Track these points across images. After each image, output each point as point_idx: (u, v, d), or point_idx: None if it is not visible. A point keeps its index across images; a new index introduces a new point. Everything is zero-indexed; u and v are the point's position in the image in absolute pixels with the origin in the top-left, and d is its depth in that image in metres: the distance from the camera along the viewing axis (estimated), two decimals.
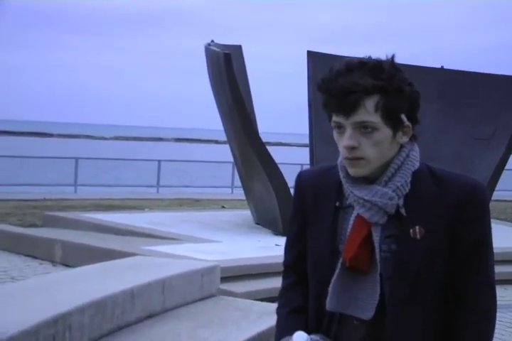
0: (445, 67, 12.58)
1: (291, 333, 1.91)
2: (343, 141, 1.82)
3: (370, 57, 1.84)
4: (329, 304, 1.88)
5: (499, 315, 7.26)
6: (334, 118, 1.83)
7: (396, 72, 1.81)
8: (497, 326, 6.96)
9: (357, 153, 1.81)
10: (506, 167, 11.99)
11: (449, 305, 1.88)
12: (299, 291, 2.02)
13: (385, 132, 1.81)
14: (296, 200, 2.04)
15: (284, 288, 2.08)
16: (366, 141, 1.80)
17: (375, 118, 1.79)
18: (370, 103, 1.78)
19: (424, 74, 11.57)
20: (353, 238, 1.85)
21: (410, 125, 1.85)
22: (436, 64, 12.50)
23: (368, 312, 1.84)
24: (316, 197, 1.97)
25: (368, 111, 1.78)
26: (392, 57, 1.84)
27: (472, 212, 1.85)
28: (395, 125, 1.82)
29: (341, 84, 1.78)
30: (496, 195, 14.28)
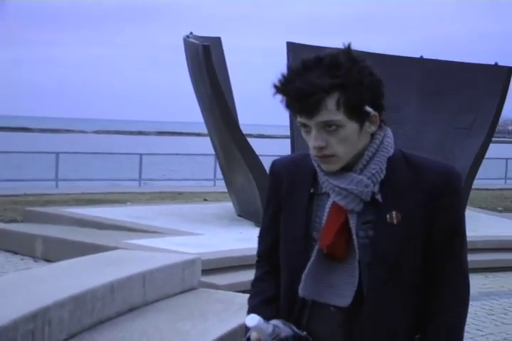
0: (425, 57, 12.60)
1: None
2: (311, 142, 1.82)
3: (329, 51, 1.81)
4: (302, 290, 1.87)
5: (481, 302, 7.32)
6: (298, 118, 1.82)
7: (353, 65, 1.78)
8: (478, 313, 7.03)
9: (326, 151, 1.81)
10: (487, 156, 12.06)
11: (426, 291, 1.89)
12: (272, 281, 2.01)
13: (350, 127, 1.80)
14: (271, 188, 2.03)
15: (257, 278, 2.07)
16: (333, 138, 1.80)
17: (338, 116, 1.78)
18: (331, 102, 1.76)
19: (405, 65, 11.60)
20: (329, 225, 1.85)
21: (376, 113, 1.84)
22: (417, 54, 12.51)
23: (345, 299, 1.83)
24: (290, 184, 1.97)
25: (330, 111, 1.77)
26: (349, 46, 1.81)
27: (447, 198, 1.86)
28: (360, 118, 1.81)
29: (298, 86, 1.75)
30: (477, 183, 14.36)
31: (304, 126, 1.81)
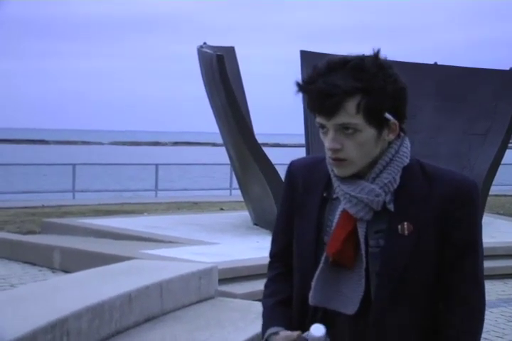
0: (439, 63, 12.58)
1: (277, 324, 1.91)
2: (326, 143, 1.80)
3: (356, 54, 1.80)
4: (312, 298, 1.87)
5: (500, 309, 7.25)
6: (317, 118, 1.80)
7: (379, 70, 1.76)
8: (498, 320, 6.96)
9: (340, 154, 1.79)
10: (504, 161, 11.97)
11: (437, 303, 1.86)
12: (286, 282, 2.00)
13: (368, 132, 1.78)
14: (286, 189, 2.02)
15: (270, 279, 2.06)
16: (349, 142, 1.78)
17: (357, 120, 1.76)
18: (351, 105, 1.75)
19: (419, 71, 11.57)
20: (337, 233, 1.84)
21: (396, 122, 1.81)
22: (432, 60, 12.50)
23: (351, 307, 1.82)
24: (305, 186, 1.95)
25: (349, 113, 1.75)
26: (377, 52, 1.79)
27: (461, 210, 1.83)
28: (379, 124, 1.79)
29: (320, 87, 1.74)
30: (495, 189, 14.25)
31: (322, 127, 1.80)
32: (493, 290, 7.63)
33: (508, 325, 6.64)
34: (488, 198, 11.76)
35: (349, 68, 1.75)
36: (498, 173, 11.76)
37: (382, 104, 1.76)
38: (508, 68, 12.00)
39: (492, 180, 11.52)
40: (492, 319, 6.49)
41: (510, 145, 12.10)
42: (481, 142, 11.53)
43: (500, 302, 7.31)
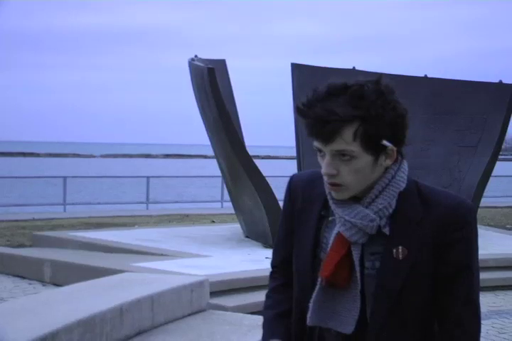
0: (429, 76, 12.66)
1: (276, 336, 1.94)
2: (322, 168, 1.81)
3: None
4: (310, 319, 1.87)
5: (491, 321, 7.25)
6: (315, 143, 1.81)
7: (378, 97, 1.75)
8: (489, 332, 6.94)
9: (336, 179, 1.79)
10: (494, 173, 12.03)
11: (433, 324, 1.87)
12: (287, 293, 2.01)
13: (364, 159, 1.77)
14: (287, 202, 2.02)
15: (272, 289, 2.07)
16: (345, 167, 1.78)
17: (354, 147, 1.75)
18: (348, 132, 1.74)
19: (409, 84, 11.65)
20: (331, 256, 1.84)
21: (394, 148, 1.80)
22: (420, 73, 12.58)
23: (348, 327, 1.83)
24: (304, 202, 1.96)
25: (346, 140, 1.75)
26: (379, 78, 1.79)
27: (457, 232, 1.83)
28: (376, 151, 1.78)
29: (318, 113, 1.74)
30: (486, 201, 14.32)
31: (320, 151, 1.81)
32: (483, 302, 7.60)
33: (499, 336, 6.64)
34: (479, 210, 11.80)
35: (348, 94, 1.74)
36: (488, 185, 11.81)
37: (380, 131, 1.75)
38: (497, 81, 12.08)
39: (483, 192, 11.56)
40: (483, 331, 6.44)
41: (500, 157, 12.17)
42: (472, 154, 11.59)
43: (491, 314, 7.31)
